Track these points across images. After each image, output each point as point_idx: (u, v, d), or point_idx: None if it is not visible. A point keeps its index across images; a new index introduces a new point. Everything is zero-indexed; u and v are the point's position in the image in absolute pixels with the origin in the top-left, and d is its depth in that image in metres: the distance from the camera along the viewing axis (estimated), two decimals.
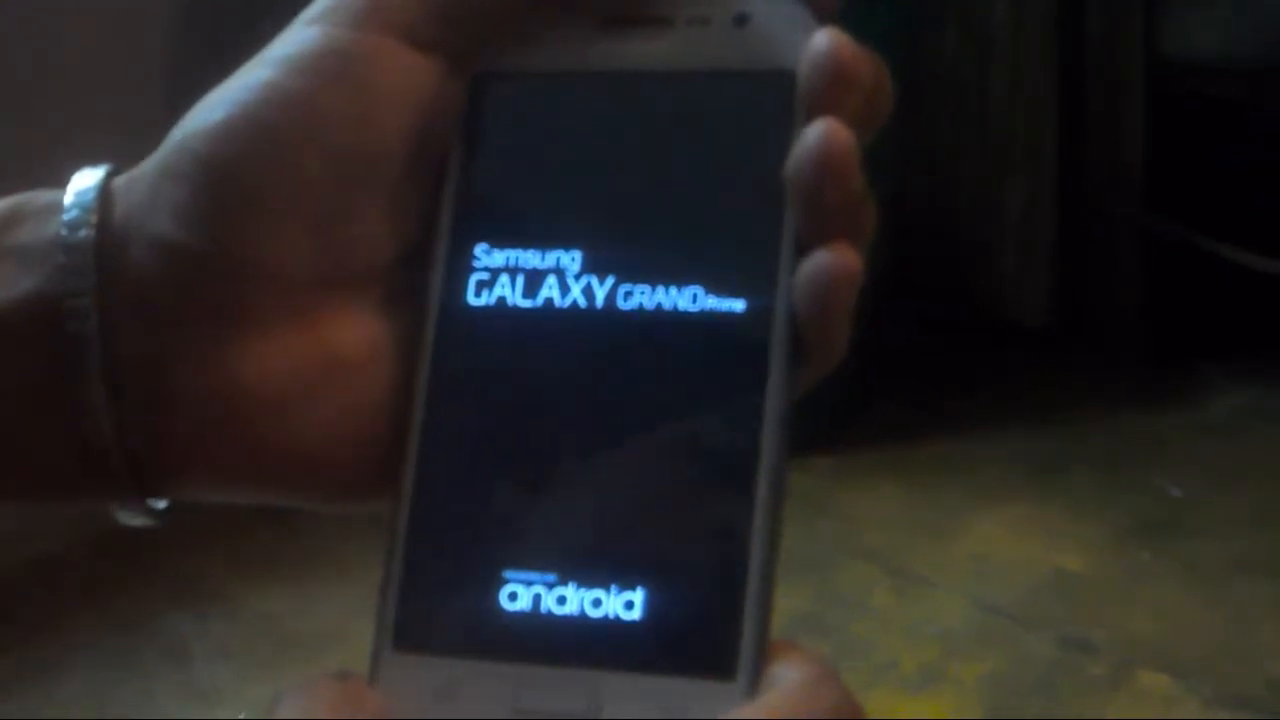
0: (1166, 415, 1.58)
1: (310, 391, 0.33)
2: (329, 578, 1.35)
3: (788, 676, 0.29)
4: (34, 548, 1.37)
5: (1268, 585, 1.31)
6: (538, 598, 0.31)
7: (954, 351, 1.73)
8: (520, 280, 0.33)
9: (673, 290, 0.32)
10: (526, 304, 0.33)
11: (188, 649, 1.30)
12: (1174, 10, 1.55)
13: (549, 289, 0.33)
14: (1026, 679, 1.22)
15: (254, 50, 0.34)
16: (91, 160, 0.35)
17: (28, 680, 1.26)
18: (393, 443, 0.33)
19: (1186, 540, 1.38)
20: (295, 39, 0.34)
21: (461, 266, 0.34)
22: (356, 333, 0.34)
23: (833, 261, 0.31)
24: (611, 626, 0.30)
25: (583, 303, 0.33)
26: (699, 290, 0.32)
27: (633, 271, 0.33)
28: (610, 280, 0.33)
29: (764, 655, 0.30)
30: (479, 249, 0.34)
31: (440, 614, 0.32)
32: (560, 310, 0.33)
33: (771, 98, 0.33)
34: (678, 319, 0.32)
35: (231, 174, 0.33)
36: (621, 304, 0.32)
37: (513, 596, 0.31)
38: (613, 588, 0.31)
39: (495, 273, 0.33)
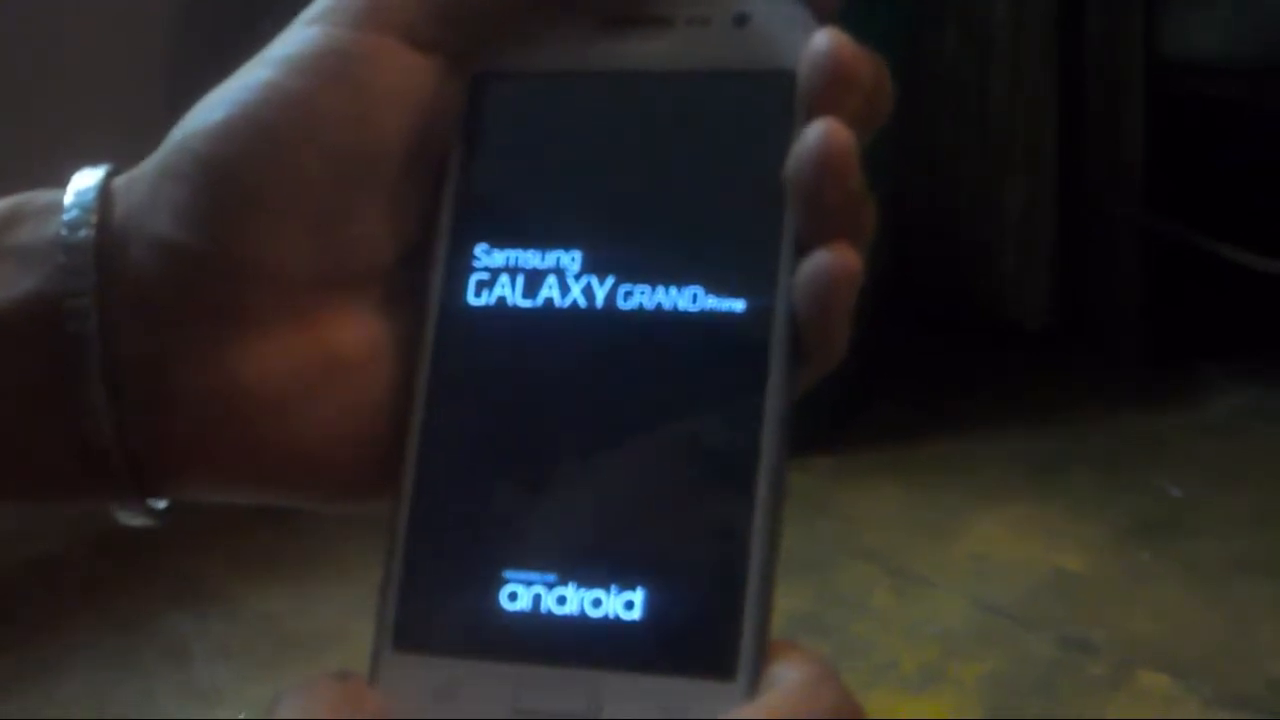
0: (1166, 415, 1.58)
1: (310, 391, 0.33)
2: (329, 578, 1.35)
3: (788, 676, 0.29)
4: (34, 548, 1.37)
5: (1268, 585, 1.31)
6: (538, 598, 0.31)
7: (954, 351, 1.73)
8: (520, 280, 0.33)
9: (673, 290, 0.32)
10: (526, 304, 0.33)
11: (188, 649, 1.30)
12: (1174, 10, 1.55)
13: (549, 289, 0.33)
14: (1026, 679, 1.22)
15: (254, 50, 0.34)
16: (91, 160, 0.35)
17: (28, 680, 1.26)
18: (393, 443, 0.33)
19: (1186, 540, 1.38)
20: (295, 39, 0.34)
21: (461, 266, 0.34)
22: (356, 333, 0.34)
23: (833, 261, 0.31)
24: (611, 626, 0.30)
25: (583, 303, 0.33)
26: (699, 290, 0.32)
27: (633, 271, 0.33)
28: (610, 280, 0.33)
29: (764, 655, 0.30)
30: (479, 249, 0.34)
31: (440, 614, 0.32)
32: (560, 310, 0.33)
33: (771, 98, 0.33)
34: (678, 319, 0.32)
35: (231, 174, 0.33)
36: (621, 304, 0.32)
37: (513, 596, 0.31)
38: (613, 588, 0.31)
39: (495, 273, 0.33)
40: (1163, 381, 1.64)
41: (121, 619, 1.33)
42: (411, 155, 0.34)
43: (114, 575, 1.35)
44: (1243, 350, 1.66)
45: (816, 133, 0.31)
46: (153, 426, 0.33)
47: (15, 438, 0.33)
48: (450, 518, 0.32)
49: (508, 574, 0.31)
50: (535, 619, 0.31)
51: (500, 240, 0.34)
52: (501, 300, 0.33)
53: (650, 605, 0.30)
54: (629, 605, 0.31)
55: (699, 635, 0.30)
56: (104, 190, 0.34)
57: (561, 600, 0.31)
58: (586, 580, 0.31)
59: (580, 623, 0.31)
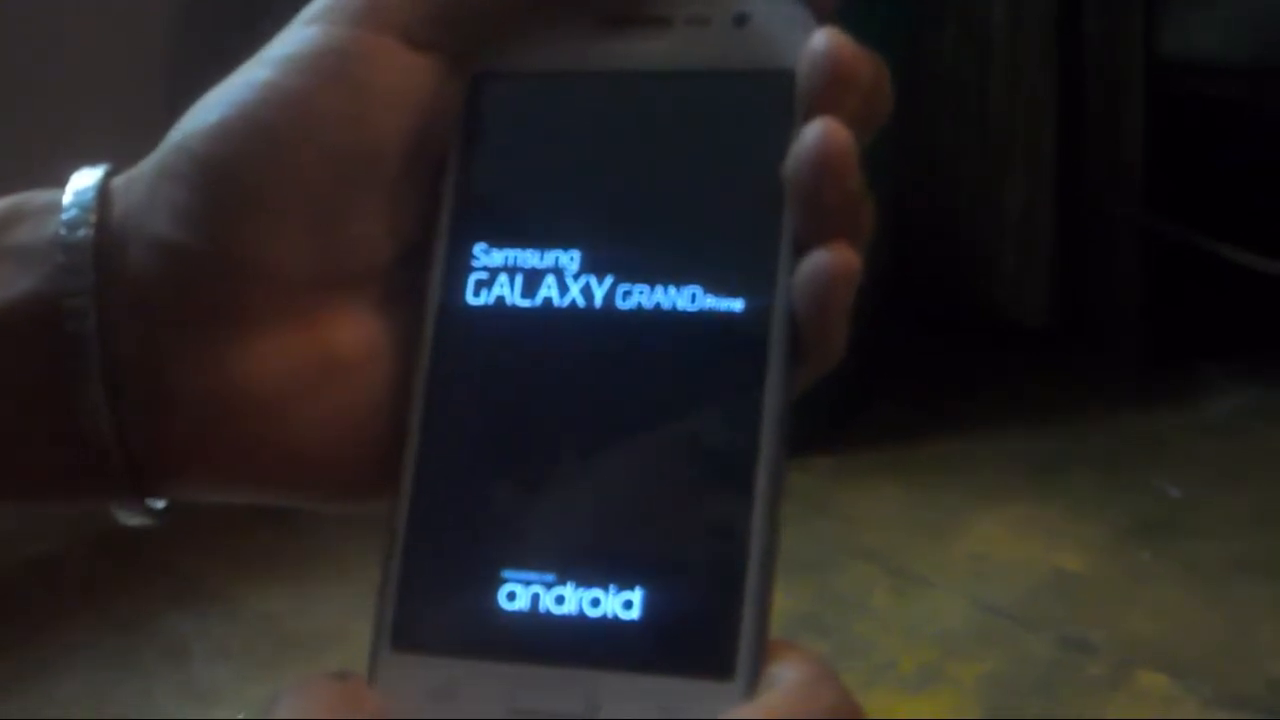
0: (1166, 415, 1.58)
1: (309, 391, 0.33)
2: (329, 578, 1.35)
3: (786, 676, 0.29)
4: (34, 548, 1.37)
5: (1268, 585, 1.31)
6: (536, 597, 0.31)
7: (954, 351, 1.73)
8: (519, 280, 0.33)
9: (671, 290, 0.32)
10: (525, 303, 0.33)
11: (187, 649, 1.30)
12: (1174, 10, 1.55)
13: (548, 288, 0.33)
14: (1026, 679, 1.22)
15: (254, 50, 0.34)
16: (91, 160, 0.35)
17: (28, 680, 1.26)
18: (391, 443, 0.33)
19: (1186, 540, 1.38)
20: (293, 38, 0.34)
21: (460, 266, 0.34)
22: (355, 332, 0.34)
23: (831, 261, 0.31)
24: (610, 626, 0.30)
25: (581, 302, 0.33)
26: (698, 290, 0.32)
27: (631, 271, 0.33)
28: (609, 280, 0.33)
29: (763, 655, 0.30)
30: (478, 248, 0.34)
31: (438, 614, 0.32)
32: (559, 310, 0.33)
33: (771, 97, 0.33)
34: (676, 318, 0.32)
35: (230, 174, 0.33)
36: (620, 303, 0.32)
37: (511, 596, 0.31)
38: (611, 587, 0.31)
39: (494, 272, 0.33)
40: (1163, 381, 1.64)
41: (121, 619, 1.33)
42: (410, 155, 0.34)
43: (114, 575, 1.35)
44: (1243, 350, 1.66)
45: (815, 132, 0.31)
46: (151, 426, 0.33)
47: (14, 437, 0.33)
48: (449, 517, 0.32)
49: (506, 574, 0.31)
50: (533, 619, 0.31)
51: (499, 240, 0.34)
52: (500, 300, 0.33)
53: (649, 605, 0.30)
54: (627, 605, 0.31)
55: (697, 635, 0.30)
56: (102, 190, 0.34)
57: (560, 600, 0.31)
58: (585, 580, 0.31)
59: (578, 622, 0.31)
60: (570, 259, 0.33)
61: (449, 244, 0.34)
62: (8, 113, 1.33)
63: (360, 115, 0.33)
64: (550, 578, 0.31)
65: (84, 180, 0.34)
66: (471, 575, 0.32)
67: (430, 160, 0.34)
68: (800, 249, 0.31)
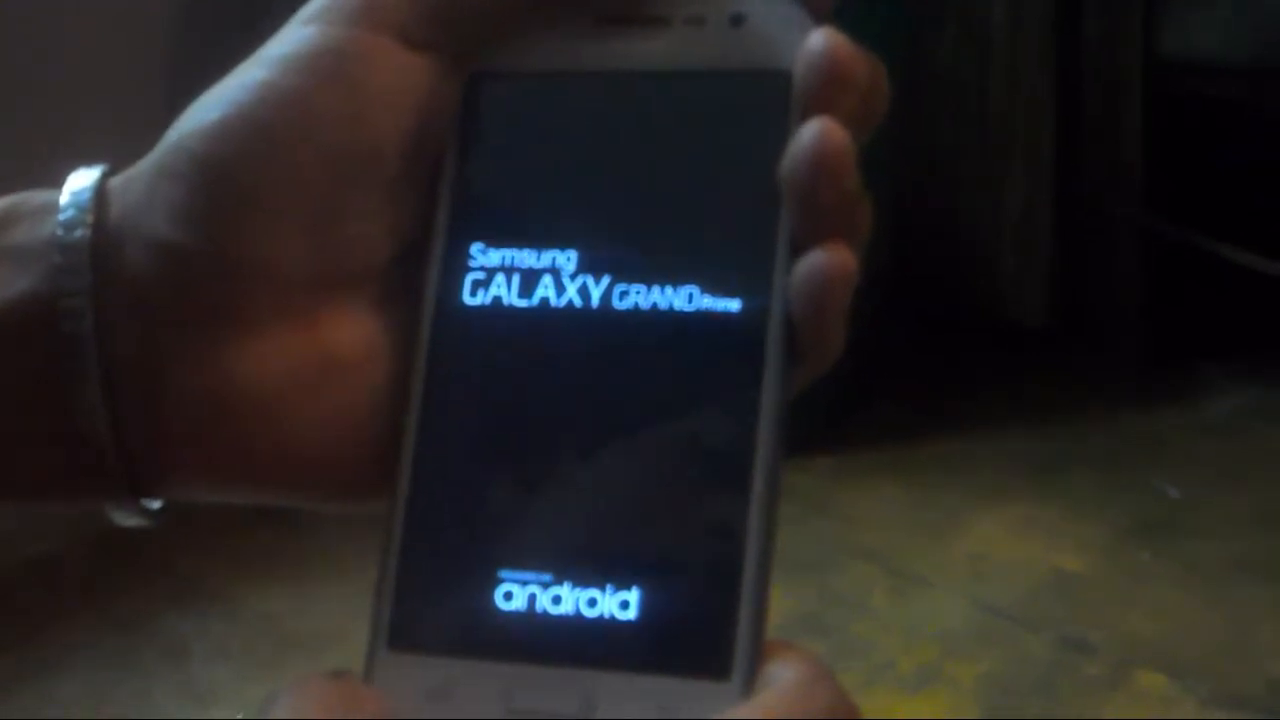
0: (1166, 415, 1.58)
1: (307, 391, 0.33)
2: (329, 578, 1.35)
3: (783, 676, 0.29)
4: (34, 548, 1.37)
5: (1268, 585, 1.31)
6: (533, 597, 0.31)
7: (954, 351, 1.73)
8: (516, 280, 0.33)
9: (668, 290, 0.32)
10: (522, 303, 0.33)
11: (187, 649, 1.30)
12: (1173, 10, 1.55)
13: (544, 288, 0.33)
14: (1024, 679, 1.22)
15: (254, 50, 0.34)
16: (91, 160, 0.35)
17: (28, 680, 1.26)
18: (389, 442, 0.33)
19: (1186, 540, 1.38)
20: (291, 38, 0.34)
21: (457, 266, 0.34)
22: (353, 332, 0.34)
23: (828, 261, 0.31)
24: (606, 626, 0.30)
25: (578, 302, 0.33)
26: (694, 290, 0.32)
27: (628, 271, 0.33)
28: (606, 280, 0.33)
29: (759, 655, 0.30)
30: (475, 248, 0.34)
31: (435, 613, 0.32)
32: (556, 310, 0.33)
33: (767, 97, 0.33)
34: (673, 318, 0.32)
35: (227, 173, 0.33)
36: (617, 303, 0.32)
37: (508, 596, 0.31)
38: (608, 587, 0.31)
39: (491, 272, 0.33)
40: (1163, 381, 1.64)
41: (121, 619, 1.33)
42: (407, 154, 0.34)
43: (114, 575, 1.35)
44: (1243, 350, 1.66)
45: (812, 132, 0.31)
46: (149, 426, 0.33)
47: (11, 438, 0.33)
48: (446, 517, 0.32)
49: (503, 573, 0.31)
50: (530, 619, 0.31)
51: (496, 239, 0.34)
52: (497, 300, 0.33)
53: (645, 605, 0.30)
54: (624, 605, 0.31)
55: (694, 635, 0.30)
56: (100, 190, 0.34)
57: (556, 600, 0.31)
58: (581, 580, 0.31)
59: (575, 622, 0.31)
60: (567, 259, 0.33)
61: (446, 244, 0.34)
62: (8, 113, 1.33)
63: (358, 115, 0.33)
64: (547, 577, 0.31)
65: (81, 180, 0.34)
66: (468, 575, 0.32)
67: (428, 160, 0.34)
68: (797, 249, 0.31)
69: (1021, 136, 1.66)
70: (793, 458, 0.31)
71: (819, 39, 0.32)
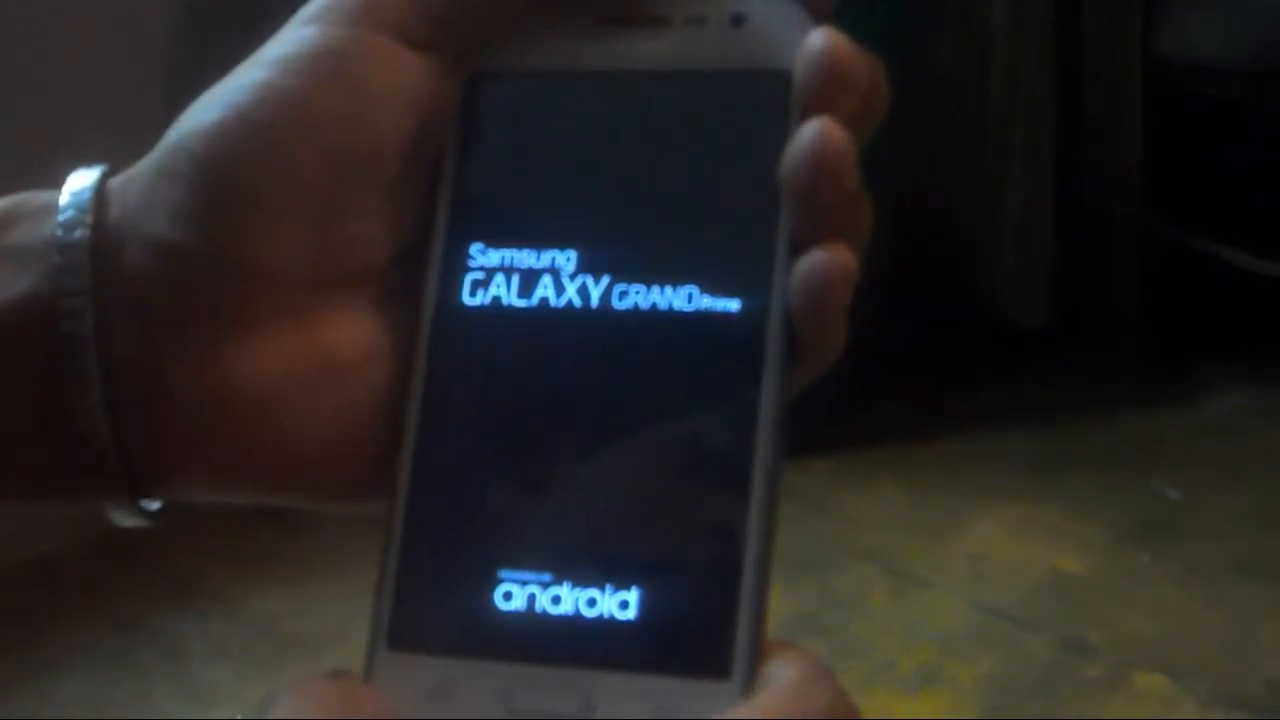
0: (1166, 415, 1.58)
1: (306, 391, 0.33)
2: (329, 578, 1.35)
3: (783, 675, 0.29)
4: (34, 548, 1.37)
5: (1268, 586, 1.31)
6: (532, 597, 0.31)
7: (954, 351, 1.73)
8: (515, 280, 0.33)
9: (668, 290, 0.32)
10: (522, 303, 0.33)
11: (187, 649, 1.30)
12: (1173, 11, 1.55)
13: (544, 288, 0.33)
14: (1024, 680, 1.22)
15: (254, 50, 0.34)
16: (91, 160, 0.35)
17: (28, 680, 1.26)
18: (389, 442, 0.33)
19: (1186, 541, 1.38)
20: (290, 39, 0.34)
21: (457, 266, 0.34)
22: (352, 332, 0.34)
23: (828, 261, 0.31)
24: (606, 626, 0.30)
25: (578, 302, 0.33)
26: (694, 290, 0.32)
27: (628, 271, 0.33)
28: (605, 280, 0.33)
29: (759, 654, 0.30)
30: (474, 248, 0.34)
31: (435, 613, 0.32)
32: (555, 310, 0.33)
33: (767, 97, 0.33)
34: (673, 318, 0.32)
35: (227, 174, 0.33)
36: (616, 303, 0.32)
37: (507, 596, 0.31)
38: (608, 587, 0.31)
39: (491, 272, 0.33)
40: (1163, 381, 1.64)
41: (121, 619, 1.33)
42: (407, 154, 0.34)
43: (114, 575, 1.35)
44: (1243, 350, 1.66)
45: (812, 132, 0.31)
46: (149, 426, 0.33)
47: (11, 438, 0.33)
48: (445, 517, 0.32)
49: (502, 573, 0.31)
50: (530, 618, 0.31)
51: (496, 239, 0.34)
52: (497, 300, 0.33)
53: (645, 605, 0.30)
54: (624, 605, 0.31)
55: (694, 635, 0.30)
56: (99, 190, 0.34)
57: (556, 600, 0.31)
58: (581, 580, 0.31)
59: (575, 622, 0.31)
60: (567, 259, 0.33)
61: (446, 244, 0.34)
62: (8, 113, 1.33)
63: (357, 115, 0.33)
64: (546, 577, 0.31)
65: (81, 181, 0.34)
66: (468, 575, 0.32)
67: (427, 160, 0.34)
68: (797, 249, 0.31)
69: (1021, 136, 1.66)
70: (793, 458, 0.31)
71: (819, 39, 0.32)
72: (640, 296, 0.32)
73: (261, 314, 0.33)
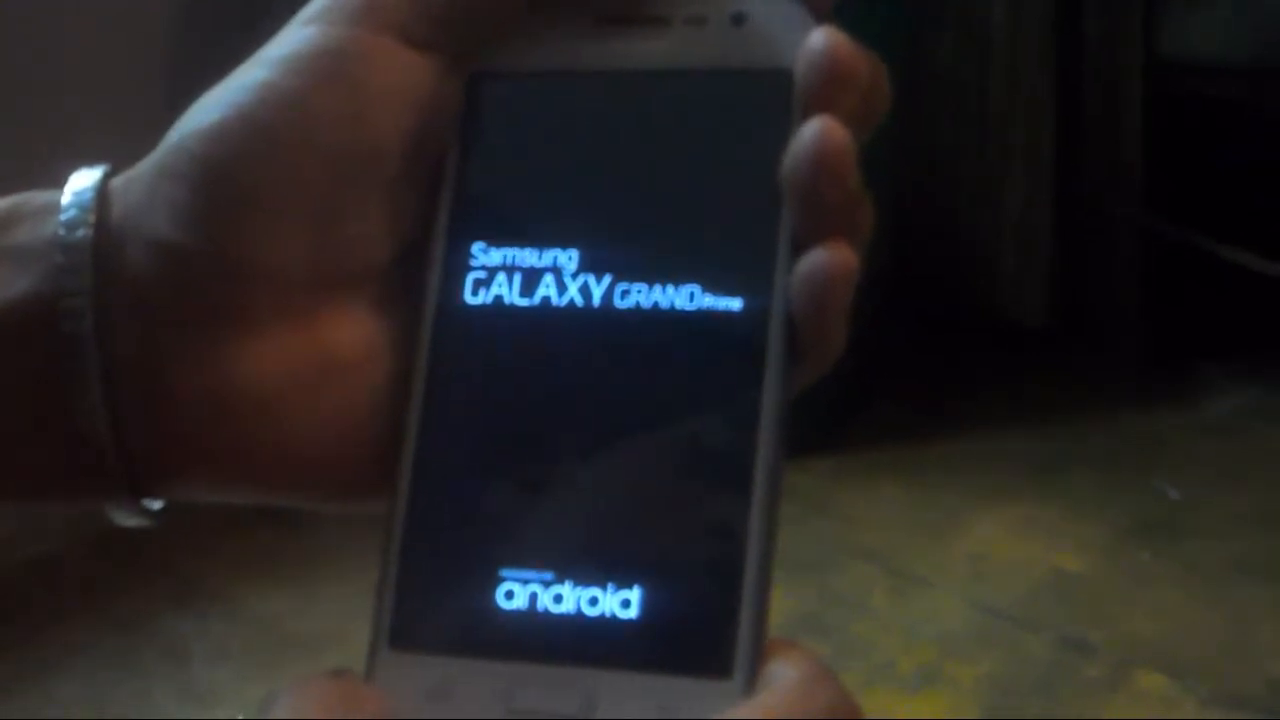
0: (1166, 415, 1.58)
1: (307, 391, 0.33)
2: (329, 578, 1.35)
3: (784, 675, 0.29)
4: (34, 548, 1.37)
5: (1268, 585, 1.31)
6: (534, 596, 0.31)
7: (954, 351, 1.73)
8: (517, 279, 0.33)
9: (669, 289, 0.32)
10: (523, 303, 0.33)
11: (187, 649, 1.30)
12: (1173, 10, 1.55)
13: (546, 288, 0.33)
14: (1024, 680, 1.22)
15: (254, 50, 0.34)
16: (91, 160, 0.35)
17: (28, 680, 1.26)
18: (390, 442, 0.33)
19: (1186, 541, 1.38)
20: (291, 39, 0.34)
21: (458, 265, 0.34)
22: (353, 332, 0.34)
23: (829, 260, 0.31)
24: (607, 625, 0.30)
25: (580, 301, 0.33)
26: (696, 289, 0.32)
27: (630, 270, 0.33)
28: (607, 279, 0.33)
29: (760, 653, 0.30)
30: (476, 248, 0.34)
31: (436, 613, 0.32)
32: (557, 309, 0.33)
33: (769, 97, 0.33)
34: (674, 317, 0.32)
35: (228, 174, 0.33)
36: (618, 302, 0.32)
37: (509, 595, 0.31)
38: (609, 586, 0.31)
39: (492, 271, 0.33)
40: (1163, 381, 1.64)
41: (121, 619, 1.33)
42: (408, 154, 0.34)
43: (114, 576, 1.35)
44: (1243, 350, 1.67)
45: (813, 131, 0.31)
46: (150, 426, 0.33)
47: (12, 437, 0.33)
48: (446, 516, 0.32)
49: (504, 572, 0.31)
50: (531, 617, 0.31)
51: (497, 239, 0.34)
52: (498, 299, 0.33)
53: (646, 604, 0.30)
54: (625, 604, 0.31)
55: (695, 634, 0.30)
56: (101, 190, 0.34)
57: (558, 599, 0.31)
58: (583, 579, 0.31)
59: (576, 621, 0.31)
60: (568, 258, 0.33)
61: (447, 243, 0.34)
62: (8, 113, 1.33)
63: (358, 115, 0.33)
64: (548, 576, 0.31)
65: (82, 181, 0.34)
66: (469, 574, 0.32)
67: (429, 160, 0.34)
68: (798, 248, 0.31)
69: (1021, 136, 1.66)
70: (793, 458, 0.31)
71: (820, 38, 0.32)
72: (642, 296, 0.32)
73: (262, 314, 0.33)
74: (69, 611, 1.34)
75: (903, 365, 1.67)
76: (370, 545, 0.33)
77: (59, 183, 0.35)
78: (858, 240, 0.32)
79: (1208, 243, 1.59)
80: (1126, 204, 1.64)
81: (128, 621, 1.32)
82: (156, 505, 0.35)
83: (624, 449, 0.32)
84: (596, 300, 0.33)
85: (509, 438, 0.32)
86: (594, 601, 0.31)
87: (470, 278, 0.34)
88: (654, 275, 0.32)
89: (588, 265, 0.33)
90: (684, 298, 0.32)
